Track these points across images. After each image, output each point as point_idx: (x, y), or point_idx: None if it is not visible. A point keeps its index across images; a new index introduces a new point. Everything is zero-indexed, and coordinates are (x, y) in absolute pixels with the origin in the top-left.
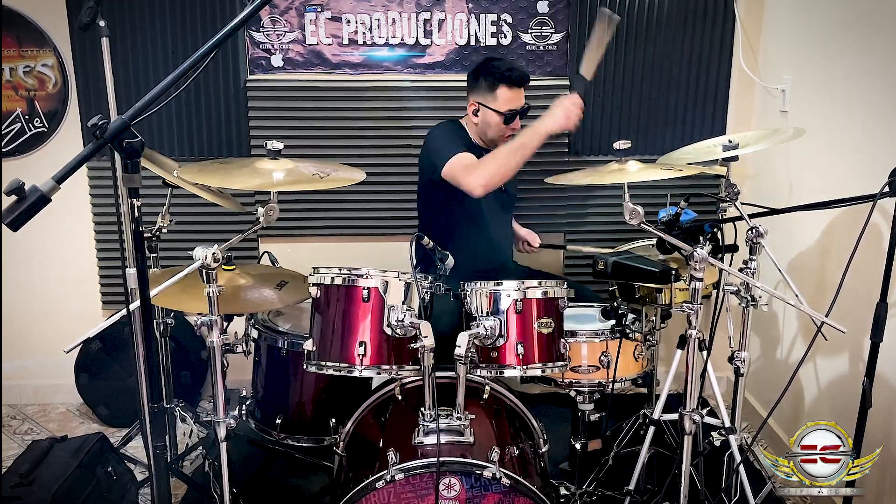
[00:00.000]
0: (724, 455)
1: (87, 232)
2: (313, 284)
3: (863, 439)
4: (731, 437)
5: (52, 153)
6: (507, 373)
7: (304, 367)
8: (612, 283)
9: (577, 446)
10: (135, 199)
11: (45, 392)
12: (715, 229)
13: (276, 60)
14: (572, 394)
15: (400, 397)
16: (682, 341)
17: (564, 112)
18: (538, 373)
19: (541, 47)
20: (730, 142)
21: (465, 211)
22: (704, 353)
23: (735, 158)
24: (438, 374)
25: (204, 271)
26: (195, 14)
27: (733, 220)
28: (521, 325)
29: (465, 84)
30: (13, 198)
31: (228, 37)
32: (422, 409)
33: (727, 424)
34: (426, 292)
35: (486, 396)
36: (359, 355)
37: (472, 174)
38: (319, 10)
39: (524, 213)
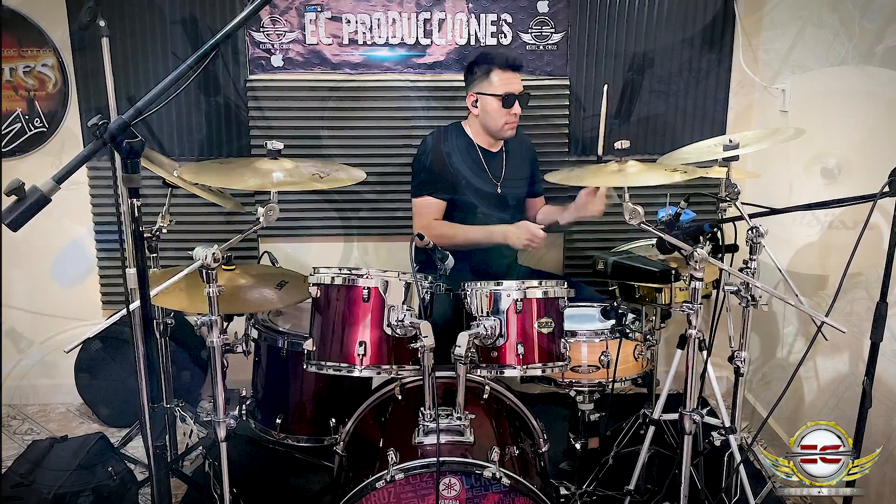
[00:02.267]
0: (724, 455)
1: (88, 232)
2: (313, 284)
3: (863, 439)
4: (731, 437)
5: (52, 153)
6: (508, 373)
7: (304, 366)
8: (612, 283)
9: (578, 446)
10: (135, 199)
11: (45, 392)
12: (715, 229)
13: (277, 60)
14: (572, 394)
15: (400, 397)
16: (682, 341)
17: (527, 238)
18: (538, 373)
19: (541, 47)
20: (730, 141)
21: (463, 214)
22: (704, 352)
23: (735, 158)
24: (438, 373)
25: (204, 271)
26: (195, 14)
27: (733, 219)
28: (521, 325)
29: (464, 84)
30: (13, 198)
31: (228, 37)
32: (422, 408)
33: (727, 424)
34: (426, 292)
35: (486, 396)
36: (359, 355)
37: (421, 223)
38: (319, 10)
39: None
